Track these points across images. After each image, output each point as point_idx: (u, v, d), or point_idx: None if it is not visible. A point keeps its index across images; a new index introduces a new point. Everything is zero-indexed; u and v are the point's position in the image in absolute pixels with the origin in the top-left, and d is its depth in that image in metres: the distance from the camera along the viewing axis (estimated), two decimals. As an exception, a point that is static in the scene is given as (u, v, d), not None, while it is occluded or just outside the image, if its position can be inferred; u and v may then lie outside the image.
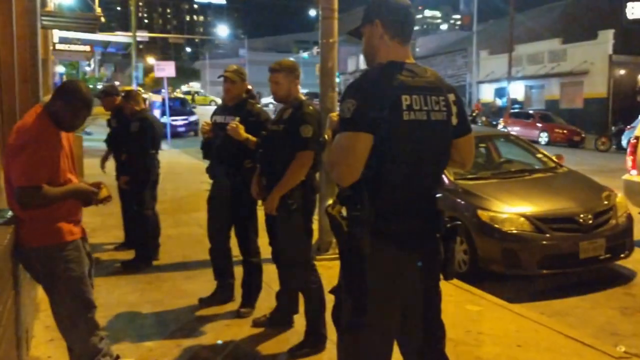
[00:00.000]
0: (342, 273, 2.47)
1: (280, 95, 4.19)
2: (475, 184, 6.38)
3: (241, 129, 4.52)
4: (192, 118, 27.02)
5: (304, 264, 4.13)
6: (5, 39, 4.97)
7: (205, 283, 5.37)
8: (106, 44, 28.14)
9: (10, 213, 3.12)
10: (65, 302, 3.11)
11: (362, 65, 64.62)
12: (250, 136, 4.54)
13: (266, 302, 4.99)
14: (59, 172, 3.05)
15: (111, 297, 5.15)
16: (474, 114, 30.24)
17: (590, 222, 5.91)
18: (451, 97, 2.46)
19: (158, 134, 6.41)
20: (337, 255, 2.40)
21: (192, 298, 5.10)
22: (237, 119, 4.64)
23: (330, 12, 6.30)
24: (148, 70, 45.43)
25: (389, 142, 2.28)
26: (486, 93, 40.58)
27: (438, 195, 2.51)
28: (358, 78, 2.39)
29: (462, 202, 6.12)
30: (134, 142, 6.13)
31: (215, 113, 5.04)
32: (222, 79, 4.80)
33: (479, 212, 5.90)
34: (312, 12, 65.88)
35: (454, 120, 2.46)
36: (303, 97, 4.22)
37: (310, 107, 4.11)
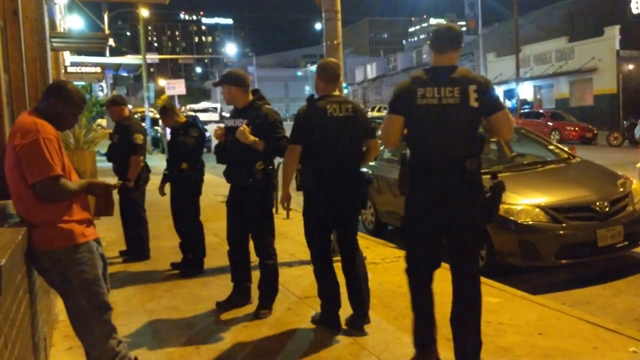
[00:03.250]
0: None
1: None
2: (488, 179, 6.30)
3: (247, 132, 4.55)
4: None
5: None
6: (14, 56, 5.05)
7: (221, 288, 5.37)
8: (117, 67, 28.45)
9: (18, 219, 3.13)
10: (80, 305, 3.10)
11: (370, 75, 64.78)
12: (256, 139, 4.57)
13: (284, 304, 4.99)
14: (66, 168, 3.07)
15: (129, 306, 5.17)
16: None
17: (607, 209, 5.84)
18: (472, 87, 3.35)
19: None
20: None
21: (209, 303, 5.10)
22: (245, 121, 4.67)
23: (334, 14, 6.33)
24: (160, 92, 45.85)
25: (411, 120, 3.48)
26: (496, 96, 40.38)
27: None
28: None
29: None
30: (192, 151, 6.23)
31: (228, 117, 5.08)
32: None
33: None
34: (318, 26, 66.25)
35: (474, 104, 3.35)
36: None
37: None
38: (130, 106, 7.47)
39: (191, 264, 6.25)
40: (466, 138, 3.43)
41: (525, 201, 5.85)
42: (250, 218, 4.83)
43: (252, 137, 4.56)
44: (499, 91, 40.30)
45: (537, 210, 5.77)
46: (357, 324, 4.39)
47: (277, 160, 4.96)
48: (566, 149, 7.48)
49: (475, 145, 3.48)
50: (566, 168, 6.92)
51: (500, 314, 4.62)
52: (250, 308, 4.92)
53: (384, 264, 6.32)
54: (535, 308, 4.76)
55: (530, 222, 5.71)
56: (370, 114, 33.46)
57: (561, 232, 5.69)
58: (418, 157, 3.52)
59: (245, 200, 4.78)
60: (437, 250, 3.63)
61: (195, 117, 6.69)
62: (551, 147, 7.64)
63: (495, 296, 5.04)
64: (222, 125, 5.09)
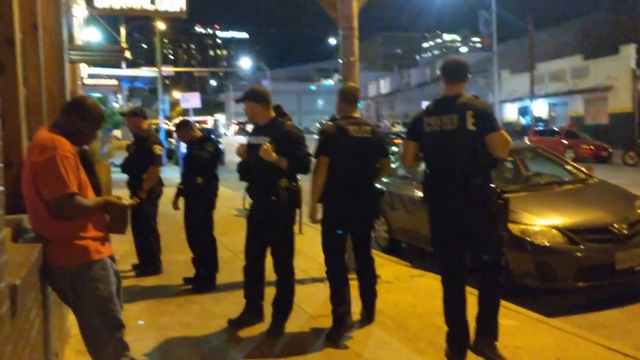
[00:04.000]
0: None
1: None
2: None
3: (271, 150, 4.52)
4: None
5: None
6: (33, 69, 5.07)
7: (234, 305, 5.32)
8: (133, 79, 28.69)
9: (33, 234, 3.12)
10: (93, 322, 3.08)
11: (383, 90, 64.86)
12: (278, 157, 4.53)
13: (297, 323, 4.94)
14: (82, 185, 3.06)
15: (141, 320, 5.13)
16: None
17: (625, 231, 5.73)
18: (469, 113, 3.89)
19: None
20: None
21: (222, 320, 5.05)
22: (268, 139, 4.63)
23: (350, 31, 6.32)
24: (174, 104, 46.15)
25: (421, 144, 4.19)
26: (509, 112, 40.31)
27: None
28: None
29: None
30: (207, 166, 6.25)
31: (250, 134, 5.06)
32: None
33: (510, 225, 5.73)
34: (333, 41, 66.49)
35: (472, 127, 3.88)
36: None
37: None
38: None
39: (203, 279, 6.22)
40: (469, 157, 3.94)
41: (542, 222, 5.77)
42: (271, 235, 4.79)
43: (275, 155, 4.54)
44: (513, 108, 40.27)
45: (554, 231, 5.68)
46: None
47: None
48: (584, 169, 7.38)
49: (481, 164, 3.96)
50: (584, 189, 6.82)
51: (517, 338, 4.54)
52: (262, 326, 4.87)
53: (398, 283, 6.25)
54: (551, 332, 4.67)
55: (547, 244, 5.62)
56: (394, 129, 33.98)
57: (579, 254, 5.59)
58: (431, 174, 4.18)
59: (267, 217, 4.74)
60: (460, 258, 4.09)
61: (211, 131, 6.72)
62: (568, 167, 7.56)
63: (511, 319, 4.96)
64: (244, 142, 5.06)
